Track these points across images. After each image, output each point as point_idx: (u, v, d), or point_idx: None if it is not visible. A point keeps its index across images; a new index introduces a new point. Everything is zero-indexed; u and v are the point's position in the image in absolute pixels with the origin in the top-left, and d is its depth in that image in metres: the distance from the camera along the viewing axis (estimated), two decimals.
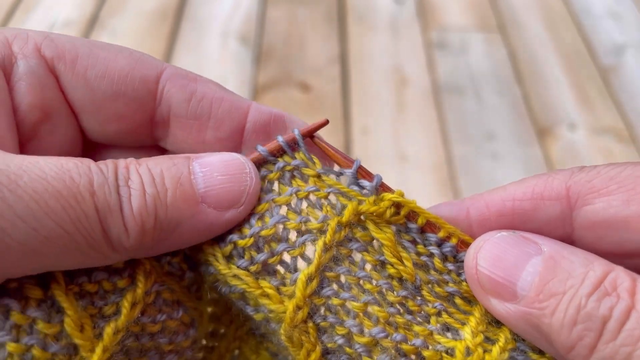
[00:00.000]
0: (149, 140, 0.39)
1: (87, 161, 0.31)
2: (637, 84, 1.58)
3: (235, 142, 0.38)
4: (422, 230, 0.36)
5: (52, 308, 0.32)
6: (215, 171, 0.34)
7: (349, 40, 1.68)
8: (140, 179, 0.31)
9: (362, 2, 1.82)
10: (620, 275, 0.29)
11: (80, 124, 0.37)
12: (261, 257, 0.34)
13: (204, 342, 0.41)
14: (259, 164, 0.36)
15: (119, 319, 0.33)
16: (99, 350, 0.32)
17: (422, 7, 1.81)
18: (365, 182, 0.36)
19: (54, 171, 0.28)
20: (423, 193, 1.17)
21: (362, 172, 0.36)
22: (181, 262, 0.38)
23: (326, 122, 0.37)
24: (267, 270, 0.35)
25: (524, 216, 0.35)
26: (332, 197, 0.35)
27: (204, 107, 0.37)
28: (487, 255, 0.32)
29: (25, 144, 0.36)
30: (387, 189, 0.36)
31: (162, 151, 0.40)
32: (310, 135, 0.37)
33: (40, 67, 0.35)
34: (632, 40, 1.72)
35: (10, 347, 0.30)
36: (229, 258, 0.35)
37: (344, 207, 0.35)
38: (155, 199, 0.31)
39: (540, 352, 0.32)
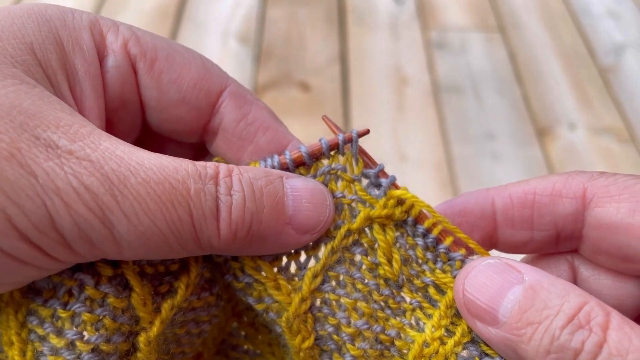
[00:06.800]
0: (198, 140, 0.42)
1: (186, 163, 0.33)
2: (637, 83, 1.58)
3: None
4: (415, 223, 0.39)
5: (120, 284, 0.35)
6: (304, 197, 0.36)
7: (349, 40, 1.68)
8: (242, 191, 0.34)
9: (362, 2, 1.82)
10: (595, 309, 0.31)
11: (145, 116, 0.41)
12: (284, 254, 0.38)
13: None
14: (314, 157, 0.39)
15: (175, 298, 0.37)
16: (157, 322, 0.36)
17: (422, 7, 1.81)
18: (383, 180, 0.39)
19: (157, 175, 0.32)
20: (423, 193, 1.17)
21: (381, 174, 0.40)
22: None
23: (367, 132, 0.40)
24: (283, 266, 0.38)
25: (543, 209, 0.39)
26: (353, 203, 0.39)
27: (250, 131, 0.41)
28: (473, 282, 0.34)
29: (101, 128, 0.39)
30: (397, 187, 0.39)
31: (207, 151, 0.44)
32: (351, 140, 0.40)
33: (125, 63, 0.38)
34: (631, 40, 1.73)
35: (85, 316, 0.34)
36: None
37: (359, 213, 0.38)
38: (253, 213, 0.34)
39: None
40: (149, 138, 0.43)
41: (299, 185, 0.37)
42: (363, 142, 0.40)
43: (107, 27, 0.38)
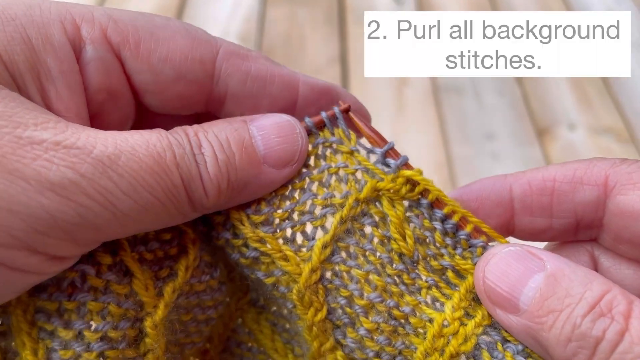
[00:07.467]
0: (203, 110, 0.42)
1: (164, 133, 0.34)
2: (637, 83, 1.58)
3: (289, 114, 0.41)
4: (432, 206, 0.38)
5: (120, 272, 0.36)
6: (272, 134, 0.37)
7: (349, 40, 1.68)
8: (211, 146, 0.35)
9: (362, 2, 1.82)
10: (617, 297, 0.30)
11: (142, 101, 0.39)
12: (287, 225, 0.38)
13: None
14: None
15: (176, 280, 0.38)
16: (161, 305, 0.37)
17: (422, 7, 1.81)
18: (391, 161, 0.39)
19: (143, 148, 0.32)
20: None
21: (391, 153, 0.39)
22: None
23: (349, 108, 0.41)
24: (289, 238, 0.38)
25: (562, 197, 0.38)
26: (358, 174, 0.39)
27: (259, 86, 0.40)
28: (493, 269, 0.34)
29: (91, 120, 0.38)
30: (409, 168, 0.39)
31: (213, 117, 0.42)
32: (347, 111, 0.41)
33: (107, 53, 0.37)
34: (632, 39, 1.72)
35: (90, 305, 0.34)
36: (255, 225, 0.38)
37: (366, 183, 0.38)
38: (227, 164, 0.35)
39: None
40: (144, 124, 0.42)
41: (264, 123, 0.37)
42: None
43: (80, 17, 0.36)
